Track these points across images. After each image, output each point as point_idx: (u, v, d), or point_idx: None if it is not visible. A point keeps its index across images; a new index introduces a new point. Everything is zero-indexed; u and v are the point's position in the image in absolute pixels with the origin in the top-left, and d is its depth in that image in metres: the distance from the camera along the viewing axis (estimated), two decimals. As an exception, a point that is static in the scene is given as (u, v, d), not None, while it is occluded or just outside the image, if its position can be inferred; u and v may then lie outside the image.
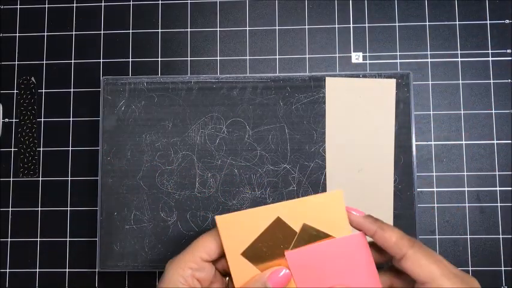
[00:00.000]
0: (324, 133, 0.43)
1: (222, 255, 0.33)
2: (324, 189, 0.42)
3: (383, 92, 0.43)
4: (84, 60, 0.47)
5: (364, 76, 0.43)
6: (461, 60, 0.45)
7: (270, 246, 0.32)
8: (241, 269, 0.33)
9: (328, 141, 0.43)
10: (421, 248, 0.31)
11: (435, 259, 0.31)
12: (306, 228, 0.32)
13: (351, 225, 0.33)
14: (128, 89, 0.44)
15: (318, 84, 0.43)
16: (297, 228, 0.32)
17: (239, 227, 0.32)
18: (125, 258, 0.42)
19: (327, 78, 0.43)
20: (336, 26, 0.46)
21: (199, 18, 0.47)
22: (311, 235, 0.32)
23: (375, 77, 0.43)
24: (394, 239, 0.31)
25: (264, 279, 0.32)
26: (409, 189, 0.42)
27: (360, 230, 0.32)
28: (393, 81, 0.43)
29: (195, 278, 0.32)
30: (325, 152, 0.43)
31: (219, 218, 0.32)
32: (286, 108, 0.44)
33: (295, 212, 0.32)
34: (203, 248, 0.32)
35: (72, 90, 0.47)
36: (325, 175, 0.43)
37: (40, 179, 0.46)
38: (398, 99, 0.43)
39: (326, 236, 0.32)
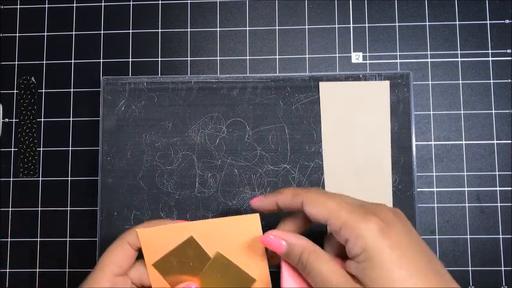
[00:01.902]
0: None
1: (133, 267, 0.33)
2: (324, 189, 0.42)
3: (377, 94, 0.43)
4: (84, 60, 0.47)
5: (364, 76, 0.43)
6: (461, 60, 0.45)
7: (181, 262, 0.33)
8: (157, 282, 0.33)
9: (325, 145, 0.43)
10: (317, 190, 0.31)
11: (331, 196, 0.31)
12: (218, 257, 0.33)
13: (254, 210, 0.33)
14: (128, 89, 0.44)
15: (318, 84, 0.43)
16: (209, 249, 0.33)
17: (158, 241, 0.33)
18: (125, 258, 0.42)
19: (320, 83, 0.43)
20: (336, 26, 0.46)
21: (199, 18, 0.47)
22: (223, 264, 0.33)
23: (375, 77, 0.43)
24: (290, 193, 0.32)
25: None
26: (409, 189, 0.42)
27: (263, 211, 0.33)
28: (387, 83, 0.43)
29: None
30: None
31: (140, 232, 0.32)
32: (286, 108, 0.44)
33: (210, 232, 0.33)
34: (112, 262, 0.32)
35: (72, 90, 0.47)
36: (323, 178, 0.43)
37: (40, 179, 0.46)
38: (398, 99, 0.43)
39: (237, 268, 0.33)
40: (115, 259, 0.32)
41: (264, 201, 0.33)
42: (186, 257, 0.33)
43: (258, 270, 0.33)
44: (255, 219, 0.33)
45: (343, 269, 0.30)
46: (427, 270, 0.28)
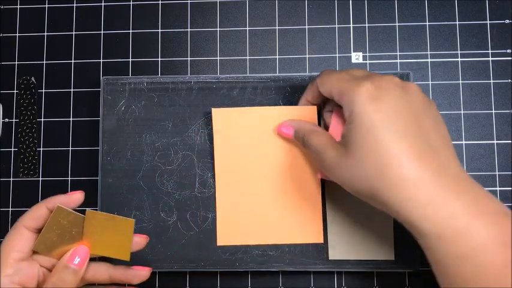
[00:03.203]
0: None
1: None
2: (324, 190, 0.42)
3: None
4: (84, 60, 0.47)
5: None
6: (461, 60, 0.45)
7: (61, 234, 0.33)
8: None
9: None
10: (327, 71, 0.35)
11: (338, 72, 0.34)
12: (89, 214, 0.34)
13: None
14: (128, 89, 0.44)
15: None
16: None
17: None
18: (125, 258, 0.42)
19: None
20: (336, 26, 0.46)
21: (199, 18, 0.47)
22: (96, 219, 0.34)
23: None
24: (309, 85, 0.39)
25: (64, 263, 0.32)
26: (409, 189, 0.42)
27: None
28: None
29: (16, 284, 0.32)
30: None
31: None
32: (286, 108, 0.44)
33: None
34: (11, 248, 0.32)
35: (72, 90, 0.47)
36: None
37: (40, 179, 0.46)
38: (398, 99, 0.43)
39: (110, 217, 0.34)
40: (14, 245, 0.32)
41: (305, 96, 0.39)
42: (63, 228, 0.33)
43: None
44: (312, 110, 0.40)
45: (335, 139, 0.34)
46: (418, 143, 0.29)
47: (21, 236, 0.33)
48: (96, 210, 0.36)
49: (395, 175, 0.28)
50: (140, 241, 0.36)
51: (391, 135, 0.29)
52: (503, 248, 0.26)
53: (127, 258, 0.35)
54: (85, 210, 0.34)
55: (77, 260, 0.32)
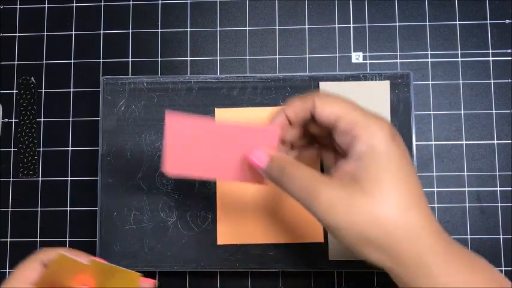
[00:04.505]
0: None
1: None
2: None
3: (377, 94, 0.43)
4: (84, 60, 0.47)
5: (364, 76, 0.43)
6: (461, 60, 0.45)
7: (62, 277, 0.32)
8: None
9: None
10: (326, 93, 0.31)
11: (343, 98, 0.30)
12: (94, 263, 0.32)
13: None
14: (128, 89, 0.44)
15: (318, 84, 0.43)
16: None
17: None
18: (125, 258, 0.42)
19: (320, 83, 0.43)
20: (336, 26, 0.46)
21: (199, 18, 0.47)
22: (102, 269, 0.33)
23: (375, 77, 0.43)
24: (298, 100, 0.30)
25: None
26: (409, 189, 0.42)
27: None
28: (387, 83, 0.43)
29: None
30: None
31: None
32: (286, 108, 0.44)
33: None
34: (26, 278, 0.31)
35: (72, 90, 0.47)
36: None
37: (40, 179, 0.46)
38: (398, 99, 0.43)
39: (116, 269, 0.33)
40: (27, 275, 0.32)
41: (275, 118, 0.31)
42: (67, 272, 0.32)
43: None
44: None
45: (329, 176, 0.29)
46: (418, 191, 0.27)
47: (32, 268, 0.32)
48: (99, 259, 0.34)
49: (417, 224, 0.26)
50: (149, 286, 0.34)
51: (410, 178, 0.27)
52: None
53: None
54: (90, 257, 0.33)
55: None
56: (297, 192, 0.28)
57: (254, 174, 0.32)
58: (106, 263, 0.33)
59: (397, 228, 0.25)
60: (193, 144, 0.32)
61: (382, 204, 0.25)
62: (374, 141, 0.27)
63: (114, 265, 0.33)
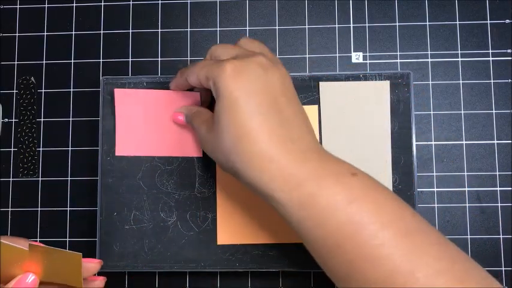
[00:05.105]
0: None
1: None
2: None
3: (377, 94, 0.43)
4: (84, 60, 0.47)
5: (364, 76, 0.43)
6: (461, 60, 0.45)
7: (6, 265, 0.31)
8: None
9: (325, 145, 0.43)
10: (195, 63, 0.36)
11: (202, 62, 0.36)
12: (33, 247, 0.31)
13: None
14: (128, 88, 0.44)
15: (318, 84, 0.43)
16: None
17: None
18: (125, 259, 0.42)
19: (320, 83, 0.43)
20: (336, 26, 0.46)
21: (199, 18, 0.47)
22: (42, 252, 0.32)
23: (375, 77, 0.43)
24: (179, 74, 0.39)
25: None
26: (410, 189, 0.42)
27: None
28: (387, 83, 0.43)
29: None
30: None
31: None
32: (286, 108, 0.43)
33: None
34: None
35: (72, 90, 0.47)
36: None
37: (40, 179, 0.46)
38: (398, 99, 0.43)
39: (57, 251, 0.32)
40: None
41: (177, 82, 0.40)
42: (10, 259, 0.31)
43: None
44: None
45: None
46: (269, 115, 0.31)
47: None
48: (38, 242, 0.34)
49: (249, 149, 0.31)
50: (94, 266, 0.34)
51: (247, 111, 0.31)
52: (349, 205, 0.28)
53: (80, 285, 0.34)
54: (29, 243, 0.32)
55: (23, 285, 0.32)
56: (197, 133, 0.37)
57: (191, 146, 0.42)
58: (44, 246, 0.32)
59: (233, 155, 0.32)
60: (140, 117, 0.42)
61: (221, 135, 0.32)
62: (218, 85, 0.32)
63: (53, 247, 0.32)
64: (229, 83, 0.31)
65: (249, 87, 0.31)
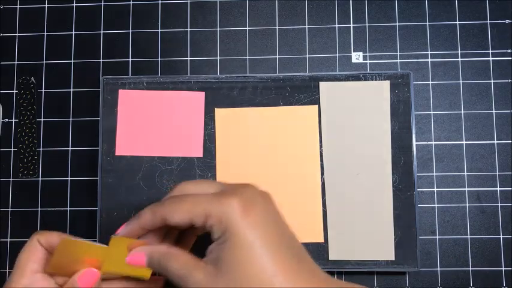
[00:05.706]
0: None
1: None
2: (325, 190, 0.42)
3: (377, 94, 0.43)
4: (84, 60, 0.47)
5: (364, 76, 0.43)
6: (461, 60, 0.45)
7: (70, 259, 0.32)
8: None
9: (325, 145, 0.43)
10: (171, 199, 0.31)
11: (184, 198, 0.31)
12: (116, 241, 0.32)
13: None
14: (128, 89, 0.44)
15: (318, 84, 0.43)
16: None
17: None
18: (125, 259, 0.42)
19: (320, 83, 0.43)
20: (336, 26, 0.46)
21: (199, 18, 0.47)
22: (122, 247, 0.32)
23: (375, 77, 0.43)
24: (148, 214, 0.31)
25: (74, 281, 0.31)
26: (410, 190, 0.42)
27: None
28: (387, 83, 0.43)
29: None
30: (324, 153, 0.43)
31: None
32: (286, 108, 0.44)
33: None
34: (28, 258, 0.31)
35: (72, 90, 0.47)
36: (324, 179, 0.43)
37: (40, 179, 0.46)
38: (398, 99, 0.43)
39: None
40: (30, 255, 0.32)
41: (127, 229, 0.33)
42: (74, 254, 0.32)
43: None
44: (313, 109, 0.39)
45: (200, 260, 0.30)
46: (289, 254, 0.29)
47: (36, 248, 0.32)
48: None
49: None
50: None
51: (266, 253, 0.28)
52: None
53: (147, 276, 0.34)
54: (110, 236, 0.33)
55: (86, 280, 0.32)
56: (176, 280, 0.30)
57: (191, 146, 0.43)
58: (124, 238, 0.32)
59: None
60: (141, 117, 0.43)
61: (237, 282, 0.28)
62: (226, 225, 0.28)
63: (133, 239, 0.33)
64: (242, 224, 0.28)
65: (261, 224, 0.29)
